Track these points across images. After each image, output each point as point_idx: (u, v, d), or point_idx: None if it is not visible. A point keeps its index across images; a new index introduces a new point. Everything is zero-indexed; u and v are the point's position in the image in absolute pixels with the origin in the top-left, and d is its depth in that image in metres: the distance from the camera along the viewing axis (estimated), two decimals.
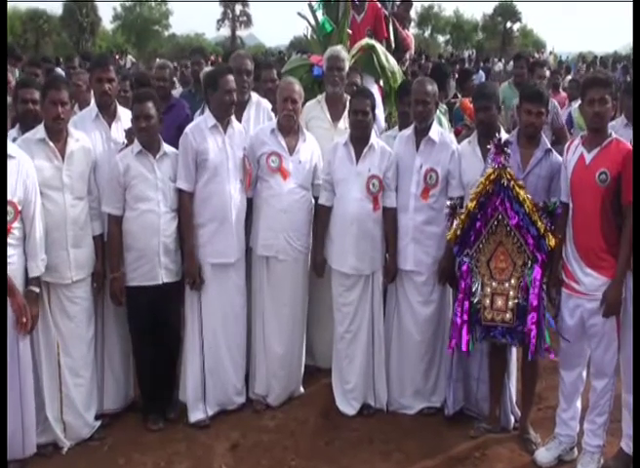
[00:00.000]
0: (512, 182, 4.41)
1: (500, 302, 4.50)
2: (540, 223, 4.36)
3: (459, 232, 4.60)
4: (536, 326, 4.40)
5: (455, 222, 4.64)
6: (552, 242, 4.36)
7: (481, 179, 4.52)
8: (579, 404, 4.57)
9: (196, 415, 5.03)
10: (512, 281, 4.48)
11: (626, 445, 4.41)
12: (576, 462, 4.49)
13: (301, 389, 5.48)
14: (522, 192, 4.40)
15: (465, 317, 4.55)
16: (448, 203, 4.83)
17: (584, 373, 4.54)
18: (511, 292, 4.47)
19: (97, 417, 4.94)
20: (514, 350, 4.94)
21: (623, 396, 4.38)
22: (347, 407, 5.22)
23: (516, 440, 4.82)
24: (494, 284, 4.53)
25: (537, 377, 4.86)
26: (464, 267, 4.60)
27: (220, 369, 5.12)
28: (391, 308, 5.26)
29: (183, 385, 5.11)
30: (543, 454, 4.58)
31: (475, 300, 4.55)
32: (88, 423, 4.83)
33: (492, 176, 4.46)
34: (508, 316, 4.47)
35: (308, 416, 5.17)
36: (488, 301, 4.53)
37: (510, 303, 4.46)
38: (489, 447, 4.76)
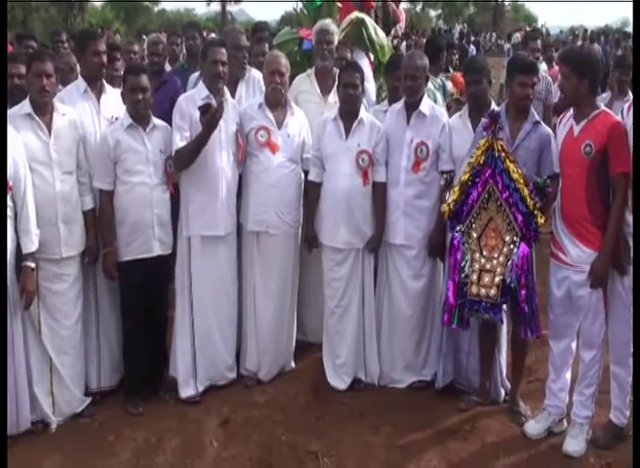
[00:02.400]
0: (503, 154, 4.41)
1: (487, 279, 4.50)
2: (529, 200, 4.35)
3: (452, 206, 4.59)
4: (527, 304, 4.41)
5: (449, 196, 4.63)
6: (542, 220, 4.36)
7: (475, 151, 4.52)
8: (568, 375, 4.59)
9: (187, 391, 5.04)
10: (500, 258, 4.47)
11: (615, 416, 4.45)
12: (565, 434, 4.51)
13: (292, 364, 5.49)
14: (512, 165, 4.39)
15: (455, 288, 4.56)
16: (443, 176, 4.83)
17: (574, 345, 4.56)
18: (498, 269, 4.46)
19: (92, 394, 4.94)
20: (504, 323, 4.94)
21: (611, 368, 4.40)
22: (338, 381, 5.23)
23: (506, 412, 4.84)
24: (482, 260, 4.53)
25: (526, 350, 4.88)
26: (456, 242, 4.60)
27: (210, 344, 5.11)
28: (382, 283, 5.27)
29: (174, 361, 5.11)
30: (533, 426, 4.61)
31: (463, 275, 4.55)
32: (77, 398, 4.82)
33: (483, 147, 4.45)
34: (493, 292, 4.46)
35: (299, 391, 5.17)
36: (475, 277, 4.52)
37: (496, 279, 4.46)
38: (479, 419, 4.78)
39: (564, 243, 4.35)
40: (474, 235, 4.57)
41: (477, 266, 4.53)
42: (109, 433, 4.66)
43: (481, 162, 4.47)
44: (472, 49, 19.33)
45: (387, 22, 7.45)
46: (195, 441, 4.59)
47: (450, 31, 39.47)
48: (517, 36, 30.84)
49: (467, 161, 4.61)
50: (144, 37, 28.55)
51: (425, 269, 5.14)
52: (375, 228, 5.13)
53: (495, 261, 4.49)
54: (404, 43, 15.92)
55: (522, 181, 4.38)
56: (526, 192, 4.35)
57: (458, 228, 4.61)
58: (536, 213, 4.36)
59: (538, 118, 4.70)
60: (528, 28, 34.82)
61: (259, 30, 6.86)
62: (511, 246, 4.45)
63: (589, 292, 4.27)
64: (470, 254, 4.55)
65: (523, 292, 4.41)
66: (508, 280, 4.40)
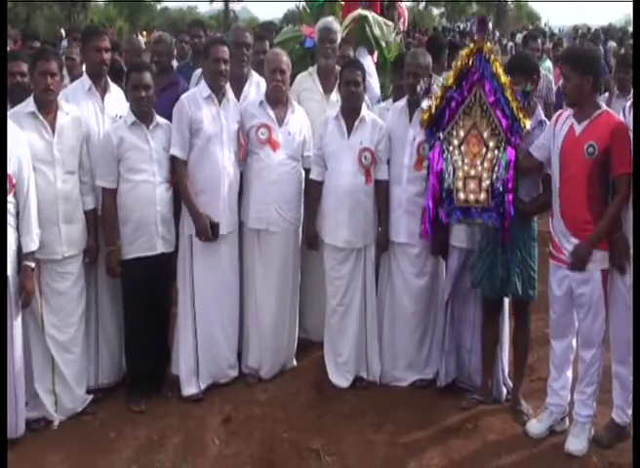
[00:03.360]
0: (492, 57, 4.41)
1: (472, 185, 4.50)
2: (514, 103, 4.35)
3: (433, 111, 4.57)
4: (513, 207, 4.41)
5: (427, 104, 4.65)
6: (527, 123, 4.37)
7: (461, 53, 4.54)
8: (569, 373, 4.59)
9: (189, 390, 5.04)
10: (485, 164, 4.47)
11: (617, 415, 4.45)
12: (567, 432, 4.51)
13: (294, 362, 5.49)
14: (500, 69, 4.41)
15: (437, 196, 4.58)
16: (421, 84, 4.89)
17: (574, 343, 4.56)
18: (484, 175, 4.46)
19: (91, 392, 4.94)
20: (507, 322, 4.96)
21: (613, 367, 4.40)
22: (340, 379, 5.22)
23: (508, 411, 4.84)
24: (466, 168, 4.52)
25: (528, 349, 4.89)
26: (436, 150, 4.59)
27: (212, 342, 5.12)
28: (384, 281, 5.26)
29: (176, 359, 5.12)
30: (535, 425, 4.61)
31: (446, 185, 4.54)
32: (79, 397, 4.82)
33: (473, 50, 4.45)
34: (482, 196, 4.47)
35: (301, 389, 5.17)
36: (460, 184, 4.52)
37: (484, 184, 4.46)
38: (481, 418, 4.78)
39: (562, 243, 4.34)
40: (455, 142, 4.56)
41: (461, 174, 4.53)
42: (111, 430, 4.66)
43: (469, 63, 4.46)
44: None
45: (393, 20, 7.42)
46: (197, 438, 4.59)
47: (452, 30, 39.40)
48: (519, 36, 30.86)
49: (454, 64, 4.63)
50: (137, 34, 28.57)
51: (428, 267, 5.13)
52: (378, 227, 5.14)
53: (479, 168, 4.48)
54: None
55: (508, 86, 4.38)
56: (512, 96, 4.36)
57: (437, 135, 4.59)
58: (520, 116, 4.35)
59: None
60: (531, 27, 34.79)
61: (262, 28, 6.85)
62: (495, 151, 4.44)
63: (590, 290, 4.27)
64: (452, 164, 4.54)
65: (510, 195, 4.40)
66: (497, 184, 4.41)
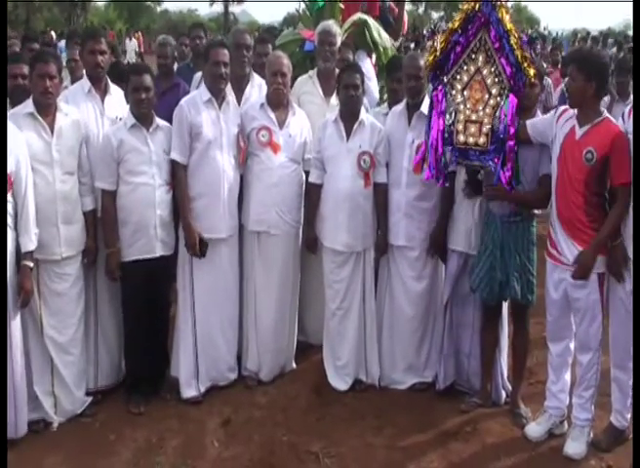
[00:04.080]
0: (499, 3, 4.40)
1: (473, 129, 4.51)
2: (518, 51, 4.35)
3: (438, 53, 4.57)
4: (513, 153, 4.42)
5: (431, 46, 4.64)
6: (531, 72, 4.36)
7: None
8: (567, 376, 4.60)
9: (189, 392, 5.04)
10: (487, 109, 4.47)
11: (615, 419, 4.47)
12: (566, 436, 4.52)
13: (293, 365, 5.49)
14: (507, 16, 4.41)
15: (440, 136, 4.59)
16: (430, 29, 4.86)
17: (572, 346, 4.55)
18: (485, 119, 4.47)
19: (90, 394, 4.94)
20: (505, 325, 4.96)
21: (612, 371, 4.42)
22: (339, 382, 5.23)
23: (507, 414, 4.85)
24: (467, 112, 4.53)
25: (527, 352, 4.89)
26: (440, 92, 4.59)
27: (212, 345, 5.12)
28: (383, 284, 5.27)
29: (176, 361, 5.12)
30: (534, 429, 4.61)
31: (448, 122, 4.55)
32: (79, 399, 4.82)
33: None
34: (482, 140, 4.47)
35: (300, 392, 5.17)
36: (461, 127, 4.54)
37: (484, 129, 4.47)
38: (480, 421, 4.78)
39: (560, 243, 4.34)
40: (458, 87, 4.56)
41: (462, 117, 4.54)
42: (110, 432, 4.66)
43: (476, 8, 4.44)
44: None
45: (397, 26, 7.40)
46: (196, 441, 4.59)
47: None
48: None
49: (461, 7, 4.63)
50: (132, 36, 28.56)
51: (427, 270, 5.14)
52: (377, 230, 5.15)
53: (481, 113, 4.49)
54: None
55: (515, 33, 4.38)
56: (517, 43, 4.35)
57: (441, 78, 4.59)
58: (524, 65, 4.35)
59: None
60: (530, 31, 34.80)
61: (265, 32, 6.85)
62: (498, 98, 4.44)
63: (587, 295, 4.28)
64: (454, 106, 4.55)
65: (511, 142, 4.41)
66: (497, 130, 4.41)
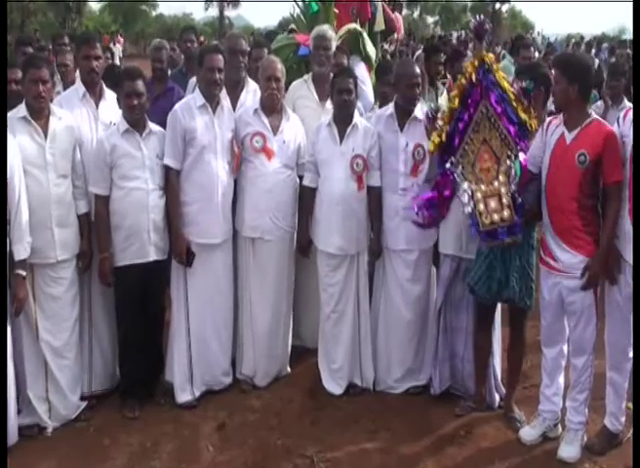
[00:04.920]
0: (494, 66, 4.42)
1: (493, 204, 4.44)
2: (518, 106, 4.38)
3: (443, 137, 4.57)
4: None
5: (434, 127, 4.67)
6: (533, 123, 4.38)
7: (466, 67, 4.56)
8: (561, 380, 4.60)
9: (183, 397, 5.04)
10: (500, 178, 4.44)
11: (610, 422, 4.47)
12: (560, 439, 4.52)
13: (288, 369, 5.49)
14: (500, 74, 4.43)
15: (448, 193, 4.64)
16: (426, 111, 4.85)
17: (566, 350, 4.57)
18: (502, 189, 4.42)
19: (84, 398, 4.93)
20: (498, 328, 4.97)
21: (608, 374, 4.43)
22: (334, 386, 5.22)
23: (501, 418, 4.85)
24: (482, 187, 4.48)
25: (523, 356, 4.90)
26: (447, 177, 4.60)
27: (206, 349, 5.12)
28: (378, 288, 5.27)
29: (170, 366, 5.11)
30: (528, 432, 4.62)
31: (467, 211, 4.50)
32: (73, 404, 4.82)
33: (475, 63, 4.46)
34: (506, 213, 4.40)
35: (295, 396, 5.18)
36: (482, 207, 4.46)
37: (504, 200, 4.41)
38: (474, 425, 4.79)
39: (554, 250, 4.34)
40: (467, 163, 4.54)
41: (480, 195, 4.47)
42: (105, 437, 4.66)
43: (473, 80, 4.46)
44: (470, 55, 19.34)
45: (386, 30, 7.44)
46: (191, 445, 4.59)
47: (446, 38, 39.44)
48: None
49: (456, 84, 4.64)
50: (115, 41, 28.50)
51: (423, 272, 5.15)
52: (370, 234, 5.15)
53: (495, 183, 4.45)
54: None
55: (511, 90, 4.41)
56: (515, 101, 4.38)
57: (450, 160, 4.58)
58: (525, 119, 4.37)
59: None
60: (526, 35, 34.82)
61: (265, 36, 6.84)
62: (508, 161, 4.43)
63: (582, 298, 4.28)
64: (469, 188, 4.50)
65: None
66: (517, 198, 4.40)
